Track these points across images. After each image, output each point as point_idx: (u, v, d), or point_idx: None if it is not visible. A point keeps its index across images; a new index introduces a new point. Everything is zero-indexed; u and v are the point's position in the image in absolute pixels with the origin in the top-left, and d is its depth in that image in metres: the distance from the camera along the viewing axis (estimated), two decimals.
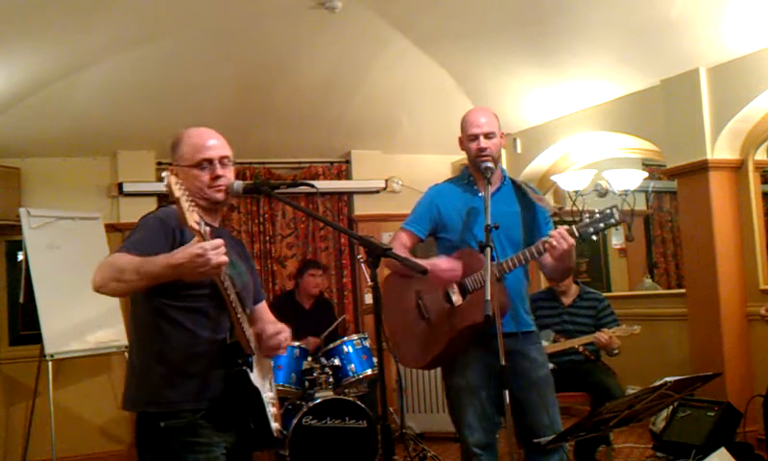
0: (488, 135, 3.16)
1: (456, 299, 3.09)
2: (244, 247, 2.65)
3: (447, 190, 3.33)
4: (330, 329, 5.61)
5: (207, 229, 2.06)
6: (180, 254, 2.03)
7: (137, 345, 2.30)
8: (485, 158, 3.14)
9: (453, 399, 3.22)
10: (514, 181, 3.32)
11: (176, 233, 2.23)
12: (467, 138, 3.21)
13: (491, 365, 2.97)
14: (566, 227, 2.96)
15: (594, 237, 2.95)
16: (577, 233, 2.93)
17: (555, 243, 2.90)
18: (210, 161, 2.35)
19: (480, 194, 3.19)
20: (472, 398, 3.13)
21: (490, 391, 3.08)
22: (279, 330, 2.46)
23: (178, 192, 1.98)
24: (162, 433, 2.21)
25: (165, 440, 2.22)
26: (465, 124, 3.24)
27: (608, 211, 2.94)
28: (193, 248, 2.01)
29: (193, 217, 2.00)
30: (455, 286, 3.11)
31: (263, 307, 2.62)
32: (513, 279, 3.12)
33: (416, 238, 3.32)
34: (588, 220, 2.96)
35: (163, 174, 2.06)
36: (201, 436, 2.22)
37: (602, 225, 2.93)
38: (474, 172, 3.25)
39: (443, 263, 3.09)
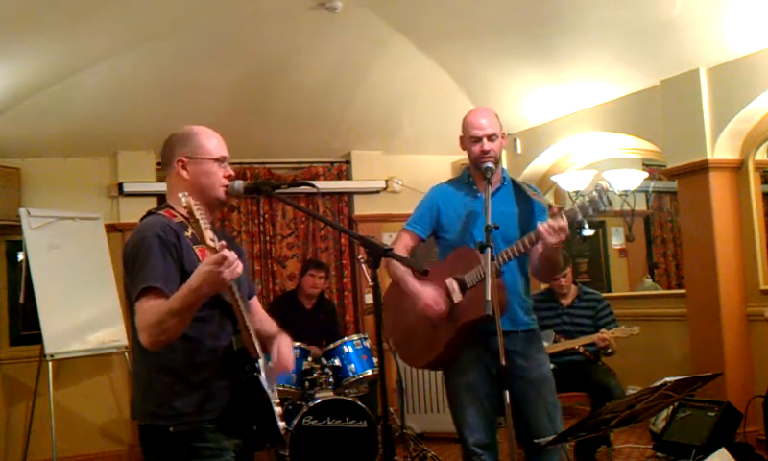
0: (491, 137, 3.16)
1: (456, 296, 3.10)
2: (233, 241, 2.65)
3: (448, 191, 3.34)
4: (335, 345, 5.48)
5: (223, 243, 2.07)
6: (196, 278, 2.05)
7: (141, 355, 2.26)
8: (488, 160, 3.14)
9: (454, 398, 3.23)
10: (514, 182, 3.32)
11: (175, 247, 2.23)
12: (469, 140, 3.20)
13: (489, 364, 2.98)
14: (556, 209, 2.92)
15: (587, 227, 2.90)
16: (564, 218, 2.88)
17: (548, 233, 2.85)
18: (225, 159, 2.39)
19: (480, 195, 3.19)
20: (472, 397, 3.13)
21: (489, 390, 3.09)
22: (286, 356, 2.46)
23: (197, 214, 2.03)
24: (171, 439, 2.20)
25: (174, 445, 2.20)
26: (467, 125, 3.23)
27: (596, 196, 2.89)
28: (206, 266, 2.03)
29: (208, 235, 2.03)
30: (455, 283, 3.11)
31: (255, 303, 2.62)
32: (508, 277, 3.12)
33: (417, 238, 3.32)
34: (577, 207, 2.93)
35: (180, 194, 2.07)
36: (210, 441, 2.22)
37: (591, 210, 2.90)
38: (475, 172, 3.25)
39: (428, 297, 3.11)
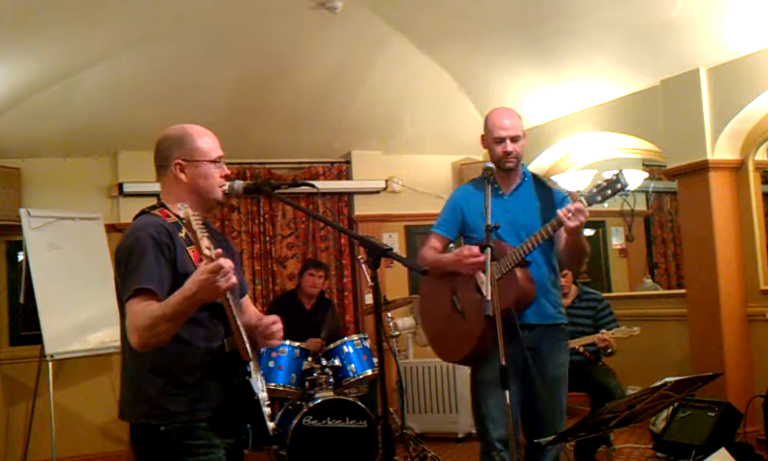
0: (514, 139, 3.21)
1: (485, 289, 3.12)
2: (228, 241, 2.62)
3: (470, 191, 3.38)
4: (332, 332, 5.50)
5: (219, 250, 2.07)
6: (191, 285, 2.05)
7: (131, 356, 2.24)
8: (510, 161, 3.21)
9: (477, 392, 3.24)
10: (534, 176, 3.37)
11: (168, 249, 2.22)
12: (492, 140, 3.24)
13: (514, 359, 2.97)
14: (575, 193, 2.98)
15: (605, 205, 2.94)
16: (585, 202, 2.94)
17: (567, 216, 2.91)
18: (221, 159, 2.38)
19: (500, 192, 3.25)
20: (496, 391, 3.12)
21: (515, 386, 3.06)
22: (274, 321, 2.46)
23: (195, 226, 2.03)
24: (163, 438, 2.20)
25: (167, 444, 2.20)
26: (490, 125, 3.26)
27: (613, 178, 2.96)
28: (202, 275, 2.03)
29: (205, 243, 2.03)
30: (484, 277, 3.13)
31: (247, 301, 2.62)
32: (535, 270, 3.15)
33: (445, 240, 3.39)
34: (594, 189, 2.99)
35: (179, 205, 2.08)
36: (201, 439, 2.22)
37: (609, 191, 2.96)
38: (497, 172, 3.27)
39: (465, 250, 3.14)
